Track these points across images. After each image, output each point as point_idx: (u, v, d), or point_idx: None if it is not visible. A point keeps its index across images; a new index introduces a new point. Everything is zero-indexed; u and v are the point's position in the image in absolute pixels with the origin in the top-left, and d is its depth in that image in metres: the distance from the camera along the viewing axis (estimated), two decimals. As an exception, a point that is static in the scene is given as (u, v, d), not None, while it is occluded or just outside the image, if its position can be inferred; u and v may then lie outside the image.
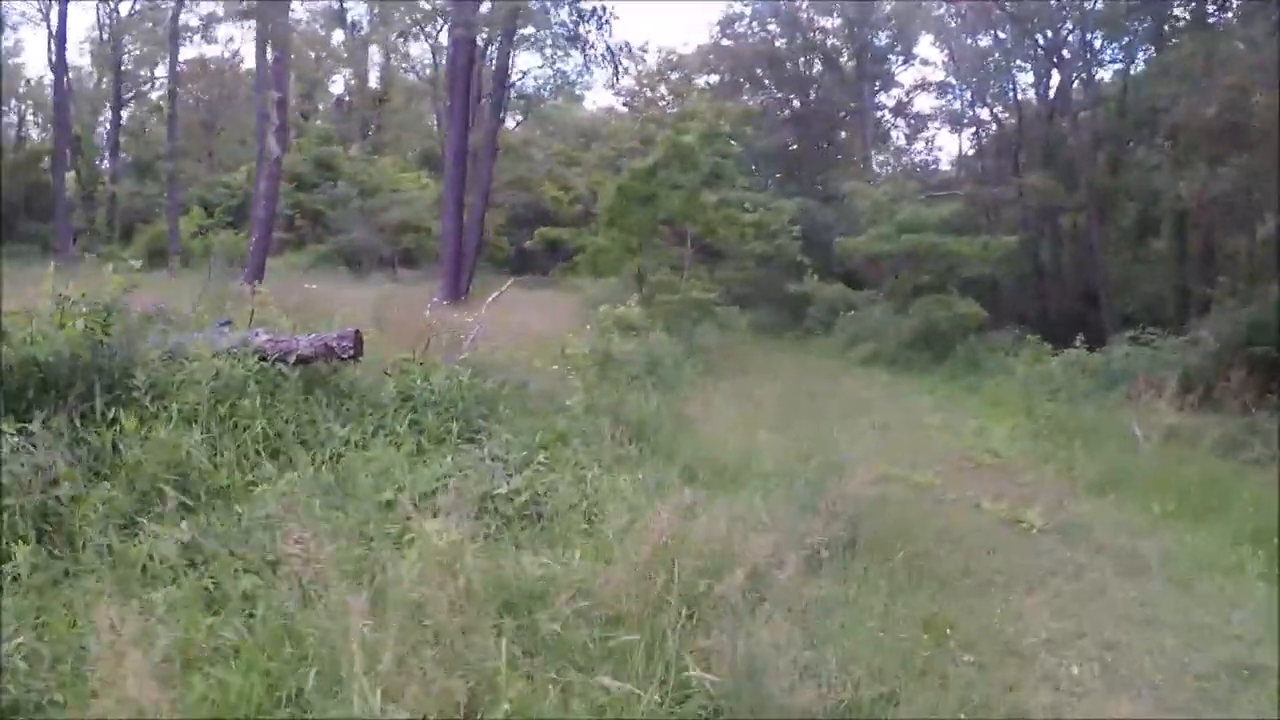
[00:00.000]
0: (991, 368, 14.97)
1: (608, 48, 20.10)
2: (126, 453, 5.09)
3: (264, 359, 6.32)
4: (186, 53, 35.12)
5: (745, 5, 33.61)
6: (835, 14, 31.14)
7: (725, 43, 34.53)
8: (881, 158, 31.80)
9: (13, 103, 32.04)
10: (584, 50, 19.89)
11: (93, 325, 5.72)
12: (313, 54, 49.78)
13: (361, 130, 45.84)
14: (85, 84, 35.66)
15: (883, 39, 32.01)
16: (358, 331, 6.35)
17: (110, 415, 5.35)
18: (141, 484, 4.94)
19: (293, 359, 6.24)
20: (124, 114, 34.79)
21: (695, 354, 15.49)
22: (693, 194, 18.01)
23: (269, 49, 17.51)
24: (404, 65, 42.10)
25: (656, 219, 18.83)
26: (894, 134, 35.13)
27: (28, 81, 35.20)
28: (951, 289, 18.59)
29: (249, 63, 32.40)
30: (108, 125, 36.10)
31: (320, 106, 50.90)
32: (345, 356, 6.27)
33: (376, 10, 33.63)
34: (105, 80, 34.45)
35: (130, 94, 34.32)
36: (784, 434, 9.63)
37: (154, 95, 36.62)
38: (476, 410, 6.88)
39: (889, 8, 30.67)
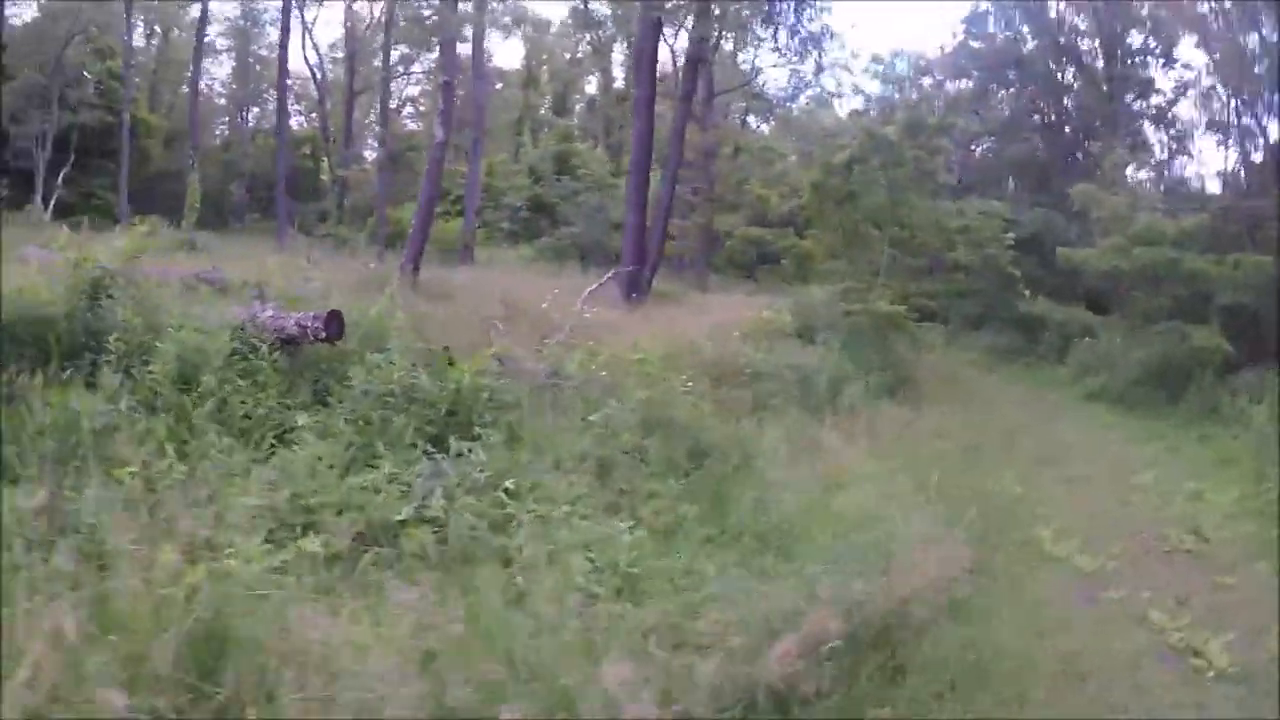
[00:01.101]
0: (1232, 416, 11.94)
1: (809, 34, 18.45)
2: (34, 416, 4.93)
3: (256, 336, 5.82)
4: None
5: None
6: (1087, 11, 27.16)
7: (973, 44, 31.45)
8: (1142, 174, 27.29)
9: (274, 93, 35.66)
10: (775, 36, 18.43)
11: (46, 291, 5.59)
12: (567, 55, 51.99)
13: (605, 128, 46.78)
14: (341, 76, 39.04)
15: (1137, 39, 27.51)
16: (333, 312, 5.65)
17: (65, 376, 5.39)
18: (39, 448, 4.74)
19: (273, 338, 5.70)
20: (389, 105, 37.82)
21: (875, 374, 13.56)
22: (895, 192, 15.98)
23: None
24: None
25: (855, 219, 16.98)
26: (1156, 147, 30.02)
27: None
28: (1211, 317, 15.22)
29: (497, 59, 33.89)
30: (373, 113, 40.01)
31: (577, 107, 52.94)
32: (319, 338, 5.57)
33: (620, 11, 33.98)
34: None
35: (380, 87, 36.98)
36: (919, 482, 7.59)
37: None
38: (483, 419, 5.87)
39: (1145, 9, 26.23)
